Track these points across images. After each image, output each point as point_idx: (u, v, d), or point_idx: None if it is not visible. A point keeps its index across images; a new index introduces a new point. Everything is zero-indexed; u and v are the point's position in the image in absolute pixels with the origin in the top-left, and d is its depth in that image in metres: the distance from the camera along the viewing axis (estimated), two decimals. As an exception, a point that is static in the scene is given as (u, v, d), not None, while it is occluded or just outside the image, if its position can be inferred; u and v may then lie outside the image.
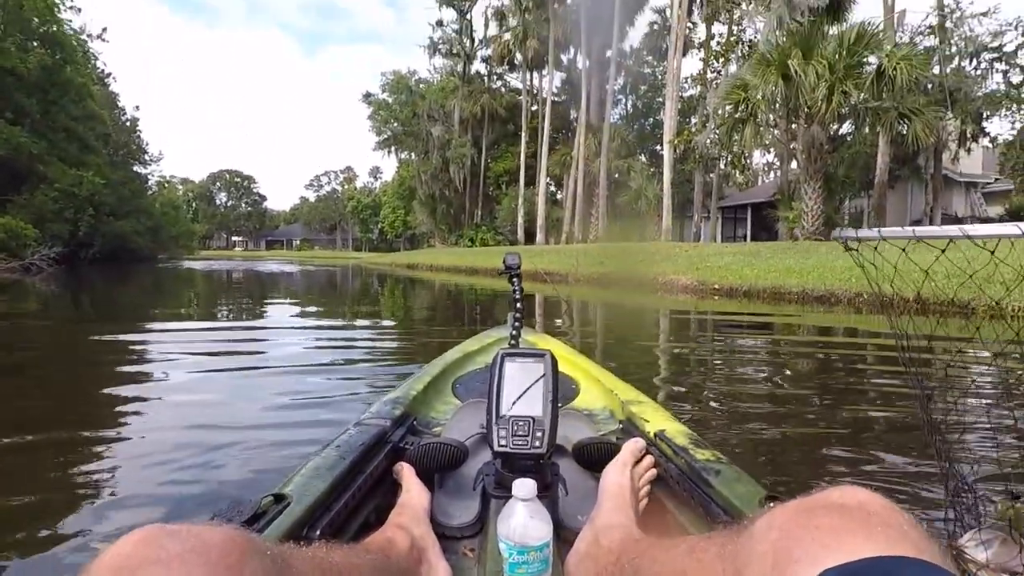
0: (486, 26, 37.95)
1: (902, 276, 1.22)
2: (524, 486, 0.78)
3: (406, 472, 1.01)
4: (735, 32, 25.94)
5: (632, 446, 1.05)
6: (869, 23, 14.59)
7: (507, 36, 34.85)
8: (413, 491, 0.97)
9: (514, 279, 1.39)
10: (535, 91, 36.41)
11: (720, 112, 17.75)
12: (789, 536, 0.45)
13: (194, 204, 78.48)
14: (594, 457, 1.07)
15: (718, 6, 24.99)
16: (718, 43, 27.12)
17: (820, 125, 14.45)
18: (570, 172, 31.28)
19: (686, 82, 31.99)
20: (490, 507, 0.96)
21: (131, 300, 10.15)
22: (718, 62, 25.78)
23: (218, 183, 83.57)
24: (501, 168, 37.85)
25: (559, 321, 6.65)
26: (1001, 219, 19.82)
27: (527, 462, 0.93)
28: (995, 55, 18.54)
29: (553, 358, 0.99)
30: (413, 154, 41.73)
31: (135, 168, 33.93)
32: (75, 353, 4.60)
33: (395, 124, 43.47)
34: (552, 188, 35.77)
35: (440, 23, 38.83)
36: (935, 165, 19.36)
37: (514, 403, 0.94)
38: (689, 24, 27.09)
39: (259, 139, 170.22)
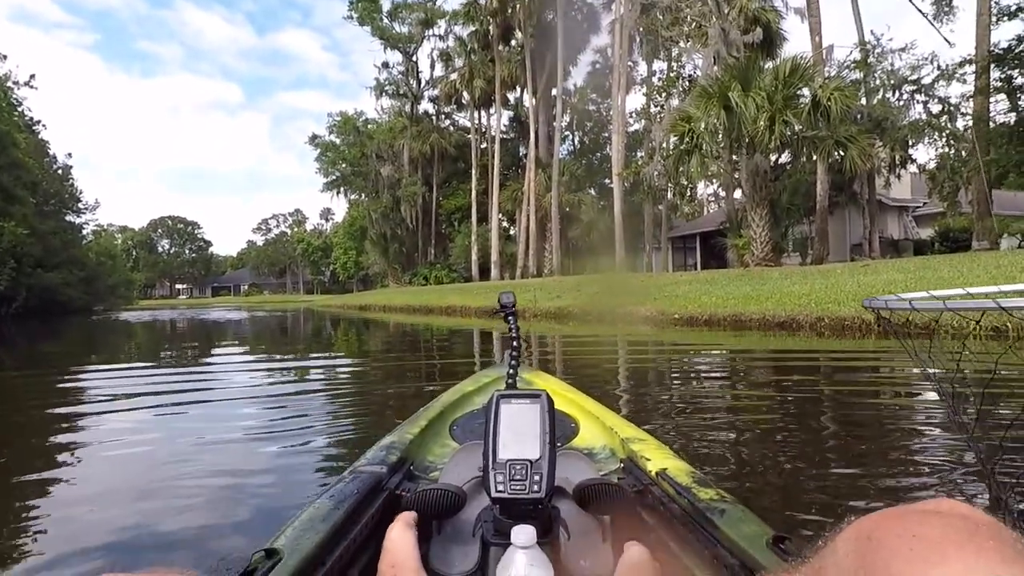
0: (432, 67, 38.49)
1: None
2: (523, 533, 0.77)
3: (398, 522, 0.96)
4: (675, 68, 26.93)
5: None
6: (801, 57, 15.30)
7: (453, 76, 35.31)
8: (403, 539, 0.92)
9: (509, 317, 1.39)
10: (484, 129, 36.85)
11: (666, 145, 18.19)
12: (883, 547, 0.38)
13: (134, 252, 75.72)
14: (596, 499, 1.02)
15: (657, 44, 25.95)
16: (659, 79, 28.12)
17: (762, 154, 14.91)
18: (522, 207, 31.49)
19: (631, 117, 32.96)
20: (490, 554, 0.92)
21: (51, 355, 9.34)
22: (660, 96, 26.64)
23: (159, 230, 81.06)
24: (453, 205, 37.83)
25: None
26: (932, 240, 20.91)
27: (526, 507, 0.89)
28: (915, 87, 19.70)
29: (549, 398, 0.95)
30: (363, 194, 41.31)
31: (68, 217, 32.46)
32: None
33: (343, 165, 43.07)
34: (505, 224, 35.90)
35: (386, 65, 39.16)
36: (869, 191, 20.28)
37: (510, 447, 0.91)
38: (630, 62, 28.04)
39: (204, 184, 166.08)
